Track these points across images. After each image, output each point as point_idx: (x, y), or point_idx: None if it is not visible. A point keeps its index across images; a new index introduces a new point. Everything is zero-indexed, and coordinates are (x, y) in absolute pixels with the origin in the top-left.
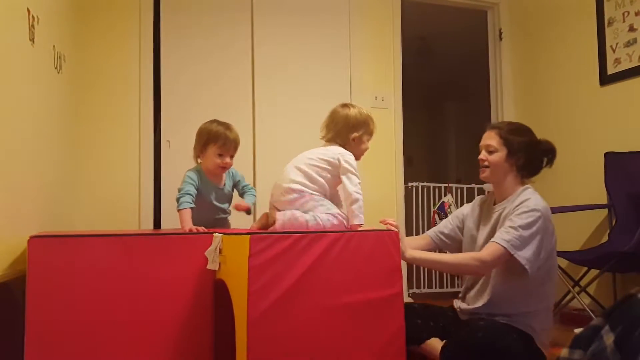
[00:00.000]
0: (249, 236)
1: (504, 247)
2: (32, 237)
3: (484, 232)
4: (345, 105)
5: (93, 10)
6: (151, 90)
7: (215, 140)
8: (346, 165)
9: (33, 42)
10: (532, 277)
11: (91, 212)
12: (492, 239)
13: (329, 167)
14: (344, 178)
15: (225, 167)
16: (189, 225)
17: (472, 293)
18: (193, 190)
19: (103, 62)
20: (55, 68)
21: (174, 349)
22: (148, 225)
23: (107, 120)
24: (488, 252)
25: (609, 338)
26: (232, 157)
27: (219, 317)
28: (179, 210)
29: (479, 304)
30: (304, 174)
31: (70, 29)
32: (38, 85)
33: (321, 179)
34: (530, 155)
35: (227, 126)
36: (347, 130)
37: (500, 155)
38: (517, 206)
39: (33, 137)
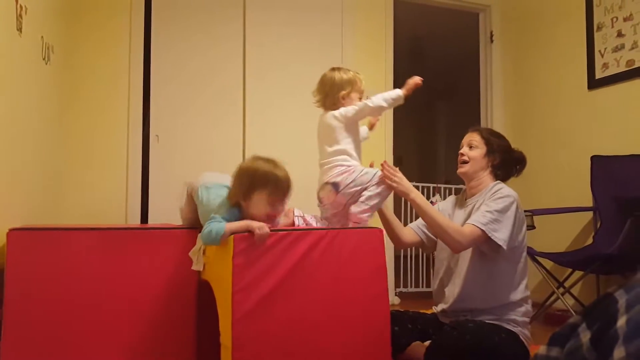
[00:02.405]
0: (232, 235)
1: (481, 229)
2: (12, 230)
3: (458, 219)
4: (333, 69)
5: (83, 1)
6: (140, 84)
7: (264, 185)
8: (345, 111)
9: (20, 32)
10: (505, 263)
11: (78, 206)
12: (469, 221)
13: (338, 124)
14: (350, 108)
15: (275, 217)
16: (252, 222)
17: (447, 290)
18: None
19: (92, 54)
20: (43, 59)
21: (155, 346)
22: (135, 220)
23: (95, 113)
24: (469, 231)
25: (585, 336)
26: (283, 203)
27: (202, 316)
28: (219, 239)
29: (456, 296)
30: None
31: (60, 20)
32: (25, 76)
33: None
34: (505, 158)
35: (275, 164)
36: (336, 89)
37: (480, 152)
38: (491, 195)
39: (18, 128)
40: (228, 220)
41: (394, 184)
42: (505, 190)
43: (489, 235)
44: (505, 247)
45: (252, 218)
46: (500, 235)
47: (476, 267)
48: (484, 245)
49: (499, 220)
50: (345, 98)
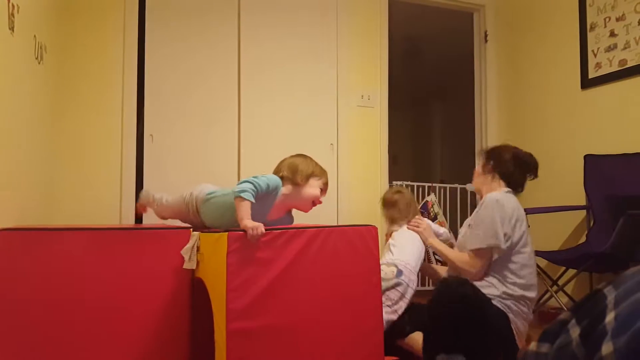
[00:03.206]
0: (227, 233)
1: (475, 250)
2: (3, 230)
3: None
4: None
5: (77, 1)
6: (135, 83)
7: (321, 175)
8: None
9: (12, 30)
10: (506, 261)
11: (71, 206)
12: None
13: None
14: None
15: (315, 204)
16: (250, 222)
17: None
18: (263, 189)
19: (86, 53)
20: (36, 58)
21: (149, 345)
22: (129, 221)
23: (89, 113)
24: (470, 262)
25: (574, 332)
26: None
27: (196, 315)
28: (239, 198)
29: None
30: None
31: (53, 19)
32: (17, 75)
33: None
34: (514, 169)
35: None
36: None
37: (487, 168)
38: (479, 207)
39: (10, 128)
40: (266, 184)
41: (419, 229)
42: (489, 196)
43: (487, 247)
44: (503, 244)
45: (302, 198)
46: (490, 241)
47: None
48: (492, 256)
49: (481, 231)
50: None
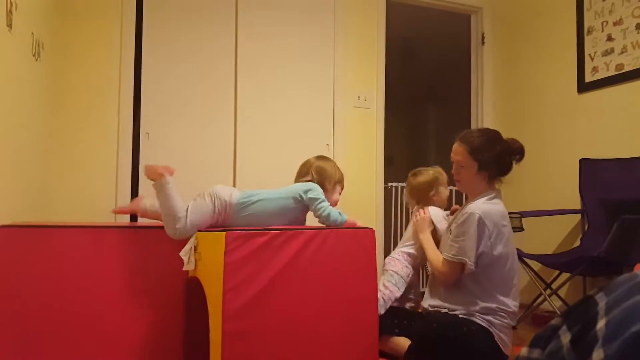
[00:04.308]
0: (225, 233)
1: (448, 259)
2: (0, 227)
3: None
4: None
5: None
6: (131, 81)
7: (342, 181)
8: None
9: (10, 28)
10: (483, 272)
11: (67, 204)
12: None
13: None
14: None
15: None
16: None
17: (431, 287)
18: None
19: (83, 51)
20: (34, 55)
21: (144, 344)
22: (125, 219)
23: (86, 110)
24: (441, 268)
25: (565, 337)
26: None
27: (191, 314)
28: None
29: (437, 299)
30: None
31: (50, 16)
32: (14, 72)
33: None
34: (500, 163)
35: None
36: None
37: (470, 172)
38: (460, 218)
39: (7, 125)
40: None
41: (414, 220)
42: (470, 207)
43: (459, 261)
44: (473, 265)
45: (330, 200)
46: (465, 255)
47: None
48: (463, 269)
49: (459, 243)
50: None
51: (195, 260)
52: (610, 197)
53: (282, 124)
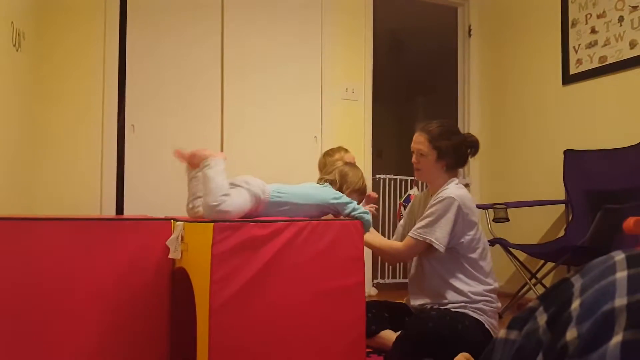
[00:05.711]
0: (212, 223)
1: (413, 237)
2: None
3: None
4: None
5: None
6: (116, 73)
7: (361, 192)
8: None
9: None
10: (463, 258)
11: (51, 197)
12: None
13: None
14: None
15: None
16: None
17: (414, 286)
18: None
19: (66, 42)
20: (14, 46)
21: (128, 337)
22: (110, 211)
23: (69, 102)
24: (404, 242)
25: (542, 319)
26: None
27: (177, 306)
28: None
29: (425, 297)
30: None
31: (32, 6)
32: None
33: None
34: (457, 154)
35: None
36: None
37: (430, 160)
38: (434, 199)
39: None
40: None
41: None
42: (445, 193)
43: (423, 240)
44: (442, 247)
45: None
46: (433, 235)
47: (436, 266)
48: (427, 249)
49: (434, 223)
50: None
51: (182, 250)
52: (593, 187)
53: (269, 117)
